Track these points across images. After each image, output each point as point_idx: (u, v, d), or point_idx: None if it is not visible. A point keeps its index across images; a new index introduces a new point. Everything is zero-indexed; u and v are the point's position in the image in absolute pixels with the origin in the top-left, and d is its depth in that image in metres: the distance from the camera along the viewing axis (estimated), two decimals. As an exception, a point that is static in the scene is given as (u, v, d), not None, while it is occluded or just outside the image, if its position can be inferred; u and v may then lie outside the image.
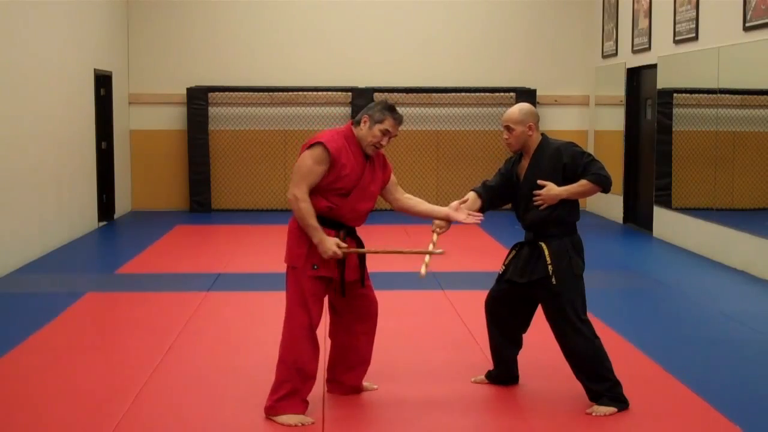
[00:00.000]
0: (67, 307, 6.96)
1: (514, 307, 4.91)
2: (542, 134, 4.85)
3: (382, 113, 4.58)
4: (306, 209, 4.50)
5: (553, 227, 4.74)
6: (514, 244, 4.95)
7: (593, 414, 4.62)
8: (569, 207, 4.74)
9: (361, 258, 4.74)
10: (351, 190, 4.60)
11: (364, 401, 4.85)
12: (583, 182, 4.68)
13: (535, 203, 4.73)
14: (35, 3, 9.33)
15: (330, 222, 4.60)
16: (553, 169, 4.72)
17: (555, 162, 4.72)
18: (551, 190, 4.69)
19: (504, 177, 4.94)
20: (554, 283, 4.66)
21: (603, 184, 4.68)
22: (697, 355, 5.82)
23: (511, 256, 4.92)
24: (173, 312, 6.86)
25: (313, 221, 4.50)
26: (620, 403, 4.67)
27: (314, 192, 4.57)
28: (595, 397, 4.69)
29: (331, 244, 4.50)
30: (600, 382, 4.67)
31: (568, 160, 4.71)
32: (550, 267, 4.67)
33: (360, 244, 4.75)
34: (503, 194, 4.94)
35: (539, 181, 4.72)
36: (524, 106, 4.86)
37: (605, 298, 7.35)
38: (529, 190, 4.75)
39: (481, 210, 4.91)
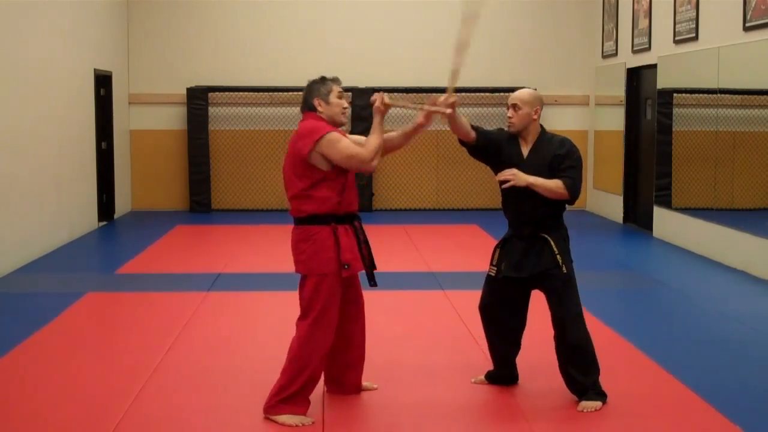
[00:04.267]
0: (67, 307, 6.96)
1: (511, 307, 4.92)
2: (541, 125, 4.86)
3: (323, 85, 4.68)
4: (374, 144, 4.55)
5: (551, 219, 4.76)
6: (497, 243, 4.96)
7: (585, 410, 4.67)
8: (560, 200, 4.77)
9: (368, 247, 4.76)
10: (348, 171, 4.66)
11: (364, 401, 4.85)
12: (558, 182, 4.68)
13: (501, 177, 4.70)
14: (35, 3, 9.33)
15: (342, 217, 4.61)
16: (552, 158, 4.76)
17: (554, 151, 4.75)
18: (518, 175, 4.68)
19: (498, 142, 4.85)
20: (565, 272, 4.71)
21: (572, 193, 4.69)
22: (697, 355, 5.82)
23: (497, 255, 4.92)
24: (173, 312, 6.86)
25: (377, 130, 4.57)
26: (603, 396, 4.76)
27: (323, 187, 4.55)
28: (581, 391, 4.74)
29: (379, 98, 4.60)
30: (589, 375, 4.74)
31: (562, 152, 4.73)
32: (558, 257, 4.71)
33: (364, 233, 4.77)
34: (490, 152, 4.86)
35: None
36: (533, 90, 4.90)
37: (605, 298, 7.35)
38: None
39: (471, 144, 4.85)
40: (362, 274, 4.77)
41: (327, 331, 4.59)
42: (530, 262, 4.77)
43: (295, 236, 4.64)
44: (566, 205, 4.83)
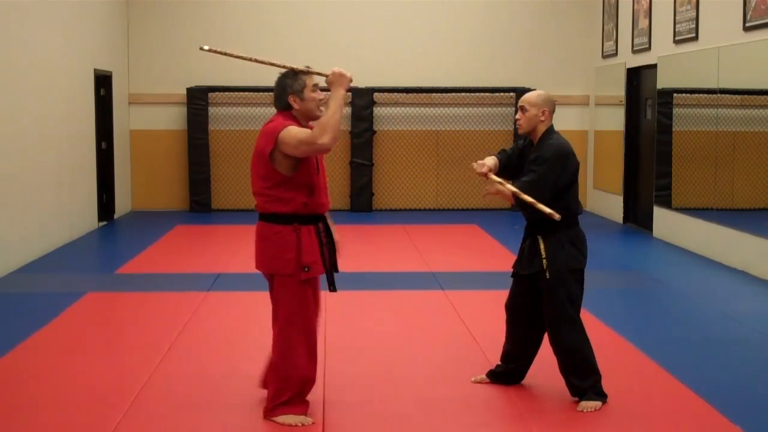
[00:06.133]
0: (67, 307, 6.96)
1: (526, 304, 4.89)
2: (551, 126, 4.87)
3: (296, 80, 4.44)
4: (322, 121, 4.30)
5: (547, 223, 4.71)
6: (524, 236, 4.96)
7: (584, 410, 4.66)
8: (561, 201, 4.69)
9: (331, 248, 4.61)
10: (318, 169, 4.51)
11: (365, 401, 4.85)
12: (514, 183, 4.68)
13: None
14: (35, 3, 9.33)
15: (307, 218, 4.49)
16: None
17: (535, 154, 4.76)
18: (499, 187, 4.68)
19: (520, 151, 4.90)
20: (548, 277, 4.69)
21: (517, 196, 4.58)
22: (697, 355, 5.83)
23: (519, 249, 4.95)
24: (173, 312, 6.86)
25: (334, 105, 4.30)
26: (603, 396, 4.74)
27: (287, 188, 4.44)
28: (580, 392, 4.73)
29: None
30: (586, 379, 4.72)
31: (533, 157, 4.74)
32: (544, 261, 4.70)
33: (330, 235, 4.61)
34: (516, 165, 4.88)
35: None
36: (543, 92, 4.92)
37: (605, 298, 7.35)
38: None
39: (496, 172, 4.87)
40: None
41: (302, 332, 4.46)
42: (527, 262, 4.80)
43: (258, 233, 4.55)
44: (571, 210, 4.76)
